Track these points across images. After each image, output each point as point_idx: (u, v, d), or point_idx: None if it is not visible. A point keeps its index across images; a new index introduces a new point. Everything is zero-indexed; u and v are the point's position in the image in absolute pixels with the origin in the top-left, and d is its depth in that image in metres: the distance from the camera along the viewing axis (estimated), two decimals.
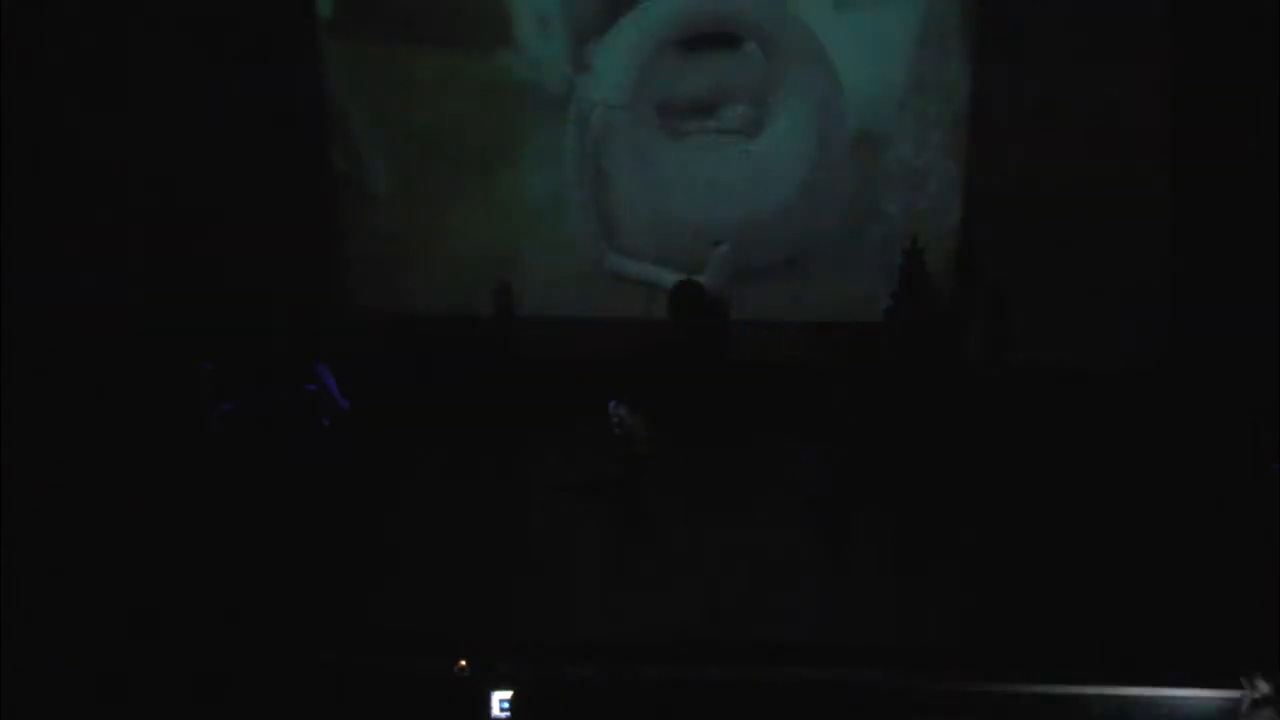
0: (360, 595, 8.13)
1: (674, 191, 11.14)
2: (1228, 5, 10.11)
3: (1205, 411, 9.80)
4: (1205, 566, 8.18)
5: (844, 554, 8.76)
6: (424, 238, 11.29)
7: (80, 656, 7.20)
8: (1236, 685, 6.34)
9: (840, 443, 9.41)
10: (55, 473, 9.04)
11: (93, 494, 9.01)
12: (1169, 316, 10.70)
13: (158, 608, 7.76)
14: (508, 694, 6.53)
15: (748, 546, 8.73)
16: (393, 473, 9.93)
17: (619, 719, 6.70)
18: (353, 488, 9.59)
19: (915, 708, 7.10)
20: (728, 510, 9.32)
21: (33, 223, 10.14)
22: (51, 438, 9.37)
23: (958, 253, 10.92)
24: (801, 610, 7.97)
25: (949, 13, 10.75)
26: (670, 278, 10.81)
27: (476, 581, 8.26)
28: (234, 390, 9.89)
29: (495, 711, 6.54)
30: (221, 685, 7.10)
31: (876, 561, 8.69)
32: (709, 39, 10.87)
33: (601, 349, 10.82)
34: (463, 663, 6.79)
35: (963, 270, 10.80)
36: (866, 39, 10.83)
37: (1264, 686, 6.33)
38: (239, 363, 10.02)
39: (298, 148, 10.88)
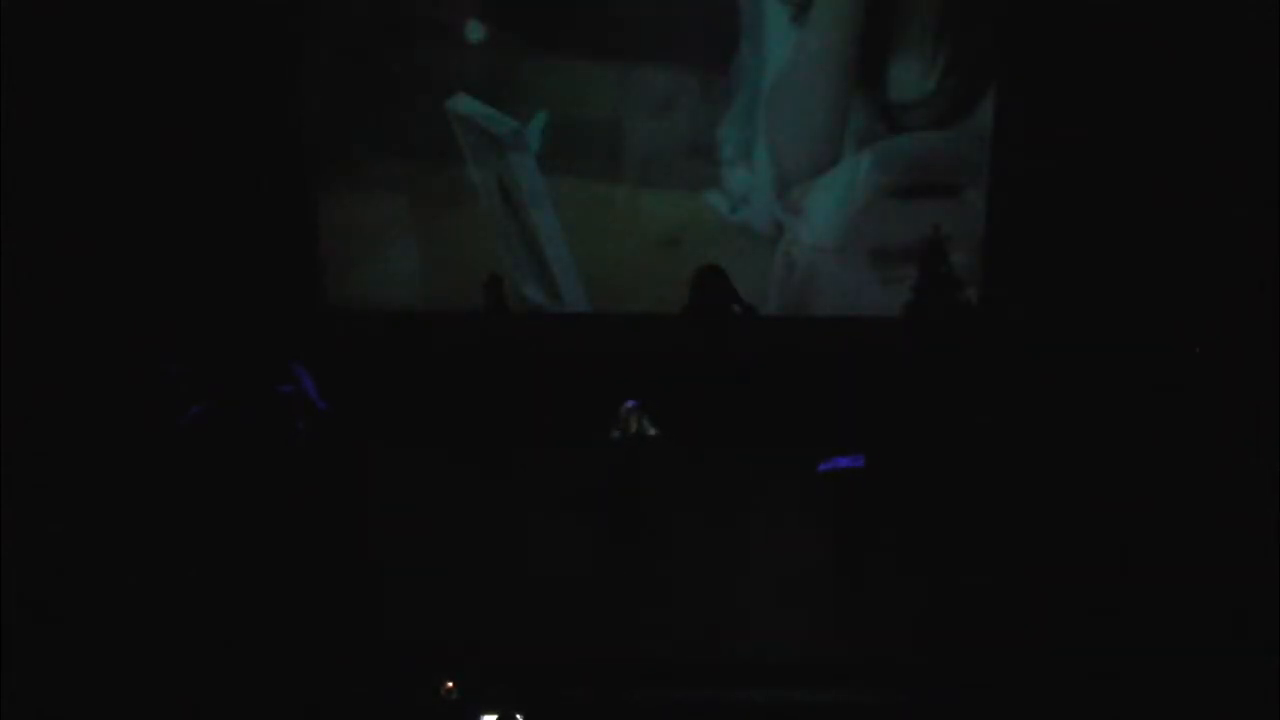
0: (340, 612, 8.09)
1: None
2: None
3: (1215, 412, 9.84)
4: (1216, 567, 8.28)
5: (861, 566, 8.74)
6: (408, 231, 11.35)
7: (45, 669, 7.28)
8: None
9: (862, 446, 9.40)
10: (14, 481, 9.02)
11: (53, 504, 9.00)
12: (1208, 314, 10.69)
13: (126, 626, 7.77)
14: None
15: (753, 560, 8.74)
16: (374, 481, 9.88)
17: None
18: (331, 497, 9.52)
19: None
20: (732, 521, 9.34)
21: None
22: (9, 445, 9.33)
23: (984, 243, 10.96)
24: (810, 628, 7.97)
25: None
26: None
27: (464, 598, 8.23)
28: (203, 393, 9.83)
29: None
30: (191, 711, 7.08)
31: (893, 573, 8.66)
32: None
33: (601, 346, 10.86)
34: (449, 684, 6.75)
35: (989, 262, 10.85)
36: None
37: None
38: (208, 363, 9.97)
39: (271, 140, 10.90)
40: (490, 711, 6.58)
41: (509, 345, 10.24)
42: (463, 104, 10.95)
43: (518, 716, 6.58)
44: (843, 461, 9.22)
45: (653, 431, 9.00)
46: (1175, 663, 7.39)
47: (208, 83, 10.62)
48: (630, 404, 9.04)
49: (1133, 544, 8.71)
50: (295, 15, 10.77)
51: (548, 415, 10.18)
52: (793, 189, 11.14)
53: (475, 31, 10.81)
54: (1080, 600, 8.11)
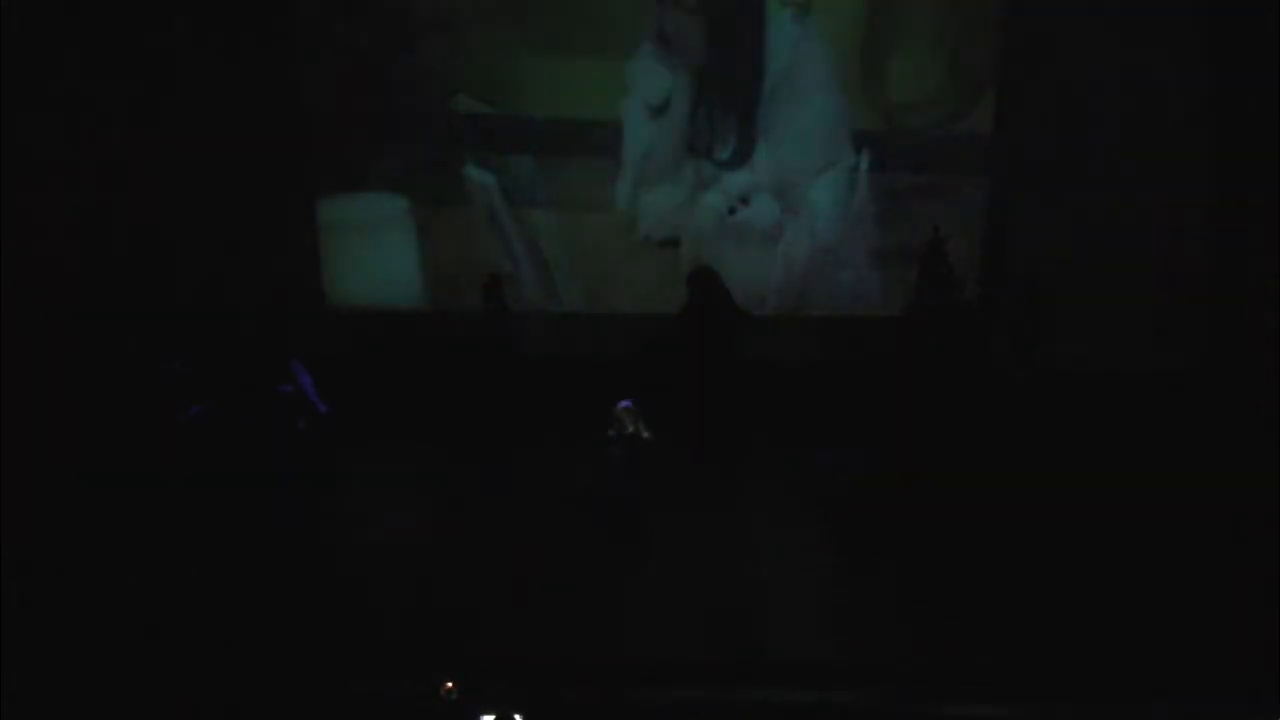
0: (339, 612, 8.09)
1: None
2: None
3: (1242, 416, 9.83)
4: (1236, 575, 8.29)
5: (857, 566, 8.75)
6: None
7: (45, 669, 7.28)
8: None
9: (859, 445, 9.41)
10: (14, 481, 9.04)
11: (53, 503, 9.02)
12: (1208, 316, 10.72)
13: (126, 626, 7.78)
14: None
15: (750, 561, 8.75)
16: (373, 480, 9.90)
17: None
18: (330, 497, 9.58)
19: None
20: (732, 521, 9.32)
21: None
22: (9, 445, 9.37)
23: (983, 243, 11.00)
24: (810, 628, 7.99)
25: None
26: None
27: (463, 598, 8.24)
28: (203, 392, 9.82)
29: None
30: (191, 711, 7.07)
31: (891, 574, 8.67)
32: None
33: (601, 346, 10.92)
34: (449, 684, 6.75)
35: (989, 262, 10.86)
36: None
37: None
38: (208, 362, 9.97)
39: (271, 139, 10.93)
40: (490, 711, 6.56)
41: (509, 345, 10.24)
42: (463, 104, 10.98)
43: (517, 716, 6.56)
44: (841, 460, 9.24)
45: (646, 435, 8.99)
46: (1175, 663, 7.42)
47: (208, 82, 10.66)
48: (624, 404, 9.05)
49: (1133, 546, 8.74)
50: (295, 15, 10.80)
51: (547, 415, 10.19)
52: (793, 189, 11.18)
53: (475, 32, 10.83)
54: (1079, 601, 8.13)
